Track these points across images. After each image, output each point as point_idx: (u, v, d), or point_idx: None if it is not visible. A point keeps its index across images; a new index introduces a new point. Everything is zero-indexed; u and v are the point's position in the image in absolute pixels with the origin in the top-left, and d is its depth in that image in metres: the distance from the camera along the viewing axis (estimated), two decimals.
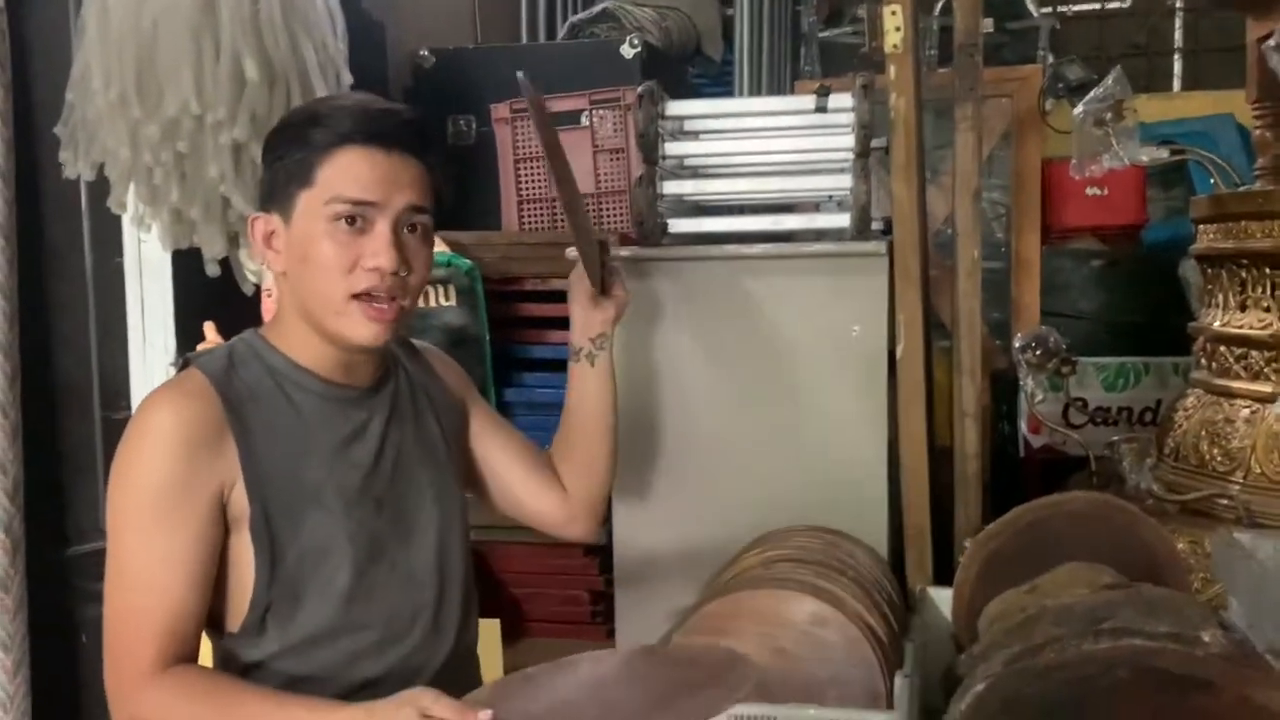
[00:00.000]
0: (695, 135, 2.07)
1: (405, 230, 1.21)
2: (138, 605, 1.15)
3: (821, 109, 1.99)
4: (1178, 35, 4.36)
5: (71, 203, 2.36)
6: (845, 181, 1.97)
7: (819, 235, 2.02)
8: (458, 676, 1.25)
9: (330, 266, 1.18)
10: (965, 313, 1.91)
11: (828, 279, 1.95)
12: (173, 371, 2.29)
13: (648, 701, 1.14)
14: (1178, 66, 4.37)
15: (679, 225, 2.06)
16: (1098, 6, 4.36)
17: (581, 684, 1.16)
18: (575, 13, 3.69)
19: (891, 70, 1.91)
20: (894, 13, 1.89)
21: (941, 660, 1.77)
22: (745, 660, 1.17)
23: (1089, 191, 3.31)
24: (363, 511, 1.22)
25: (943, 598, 1.89)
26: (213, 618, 1.20)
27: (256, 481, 1.17)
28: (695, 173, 2.10)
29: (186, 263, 2.25)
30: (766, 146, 2.03)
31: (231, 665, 1.20)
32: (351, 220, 1.18)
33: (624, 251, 2.01)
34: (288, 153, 1.21)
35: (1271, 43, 2.02)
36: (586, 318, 1.48)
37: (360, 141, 1.18)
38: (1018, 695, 1.30)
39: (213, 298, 2.27)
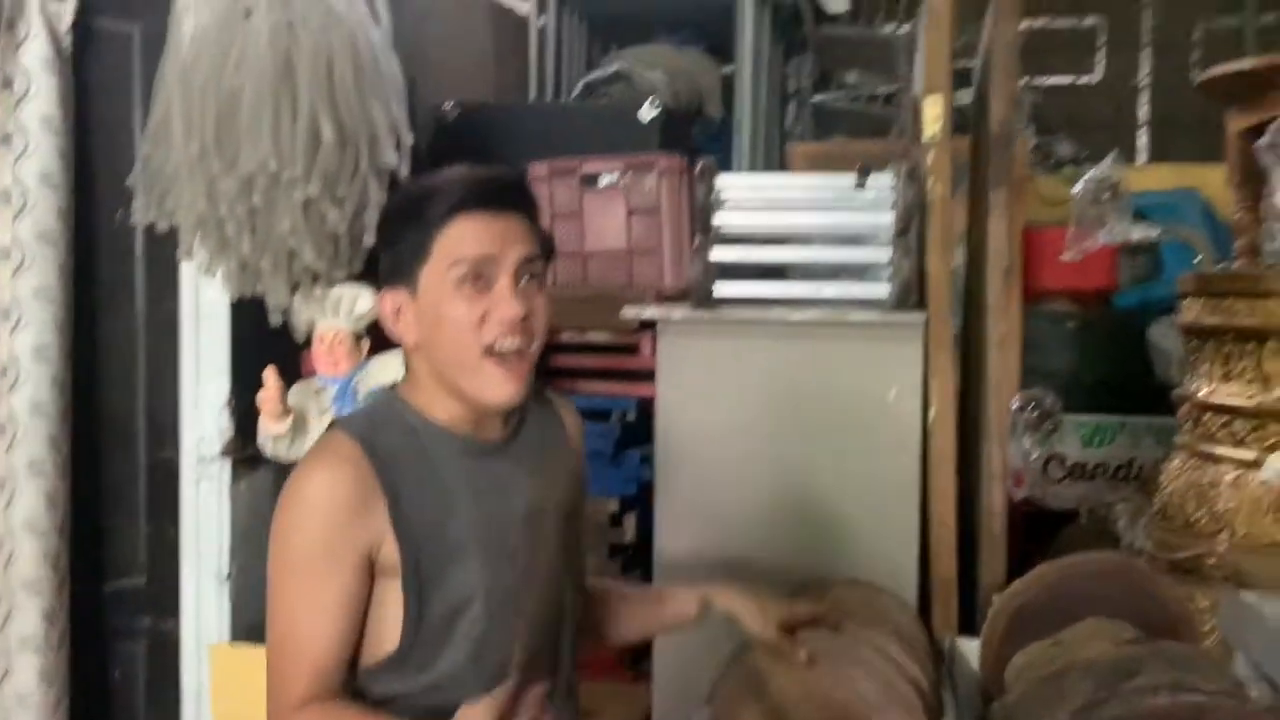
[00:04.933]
0: (741, 207, 2.20)
1: (525, 279, 1.30)
2: (291, 647, 1.24)
3: (862, 187, 2.14)
4: (1144, 110, 4.63)
5: (126, 246, 2.43)
6: (883, 254, 2.11)
7: (857, 303, 2.16)
8: (561, 712, 1.35)
9: (462, 324, 1.26)
10: (994, 383, 2.06)
11: (868, 345, 2.09)
12: (226, 414, 2.37)
13: None
14: (1144, 140, 4.64)
15: (724, 289, 2.19)
16: (1070, 80, 4.62)
17: None
18: (584, 72, 3.84)
19: (930, 156, 2.07)
20: (934, 103, 2.05)
21: (972, 709, 1.89)
22: None
23: (1064, 257, 3.49)
24: (500, 564, 1.30)
25: (969, 649, 2.01)
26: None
27: (407, 538, 1.25)
28: (740, 240, 2.24)
29: (241, 309, 2.33)
30: (809, 220, 2.17)
31: (363, 697, 1.29)
32: (476, 278, 1.27)
33: (677, 314, 2.14)
34: (405, 231, 1.30)
35: (1264, 141, 2.17)
36: (761, 617, 1.45)
37: (471, 208, 1.27)
38: None
39: (265, 343, 2.35)
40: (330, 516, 1.23)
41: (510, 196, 1.31)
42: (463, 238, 1.27)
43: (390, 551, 1.25)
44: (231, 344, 2.36)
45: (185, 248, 2.20)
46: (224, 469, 2.35)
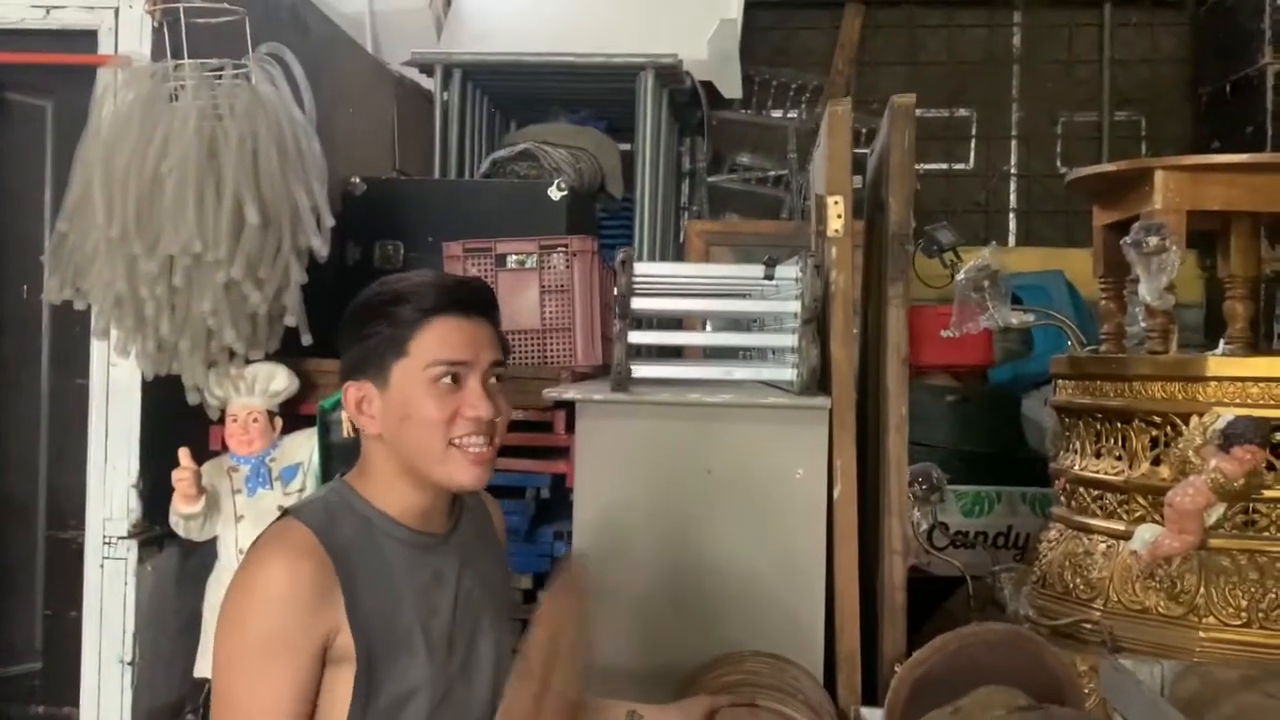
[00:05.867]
0: (657, 293, 2.30)
1: (492, 380, 1.38)
2: None
3: (769, 277, 2.27)
4: (1013, 196, 4.97)
5: (31, 322, 2.38)
6: (789, 340, 2.24)
7: (765, 385, 2.27)
8: None
9: (432, 420, 1.33)
10: (894, 461, 2.19)
11: (778, 427, 2.20)
12: (134, 494, 2.33)
13: None
14: (1012, 224, 4.97)
15: (641, 370, 2.28)
16: (945, 166, 4.92)
17: None
18: (488, 151, 3.92)
19: (833, 251, 2.21)
20: (836, 203, 2.20)
21: None
22: None
23: (943, 333, 3.69)
24: (440, 655, 1.35)
25: (873, 717, 2.11)
26: None
27: (361, 629, 1.28)
28: (655, 324, 2.33)
29: (153, 387, 2.30)
30: (722, 306, 2.28)
31: None
32: (454, 378, 1.34)
33: (597, 396, 2.21)
34: (377, 328, 1.36)
35: (1129, 239, 2.36)
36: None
37: (446, 312, 1.36)
38: None
39: (173, 421, 2.32)
40: (289, 609, 1.25)
41: (481, 303, 1.40)
42: (440, 340, 1.35)
43: (345, 642, 1.28)
44: (142, 423, 2.32)
45: (100, 327, 2.17)
46: (130, 550, 2.30)
